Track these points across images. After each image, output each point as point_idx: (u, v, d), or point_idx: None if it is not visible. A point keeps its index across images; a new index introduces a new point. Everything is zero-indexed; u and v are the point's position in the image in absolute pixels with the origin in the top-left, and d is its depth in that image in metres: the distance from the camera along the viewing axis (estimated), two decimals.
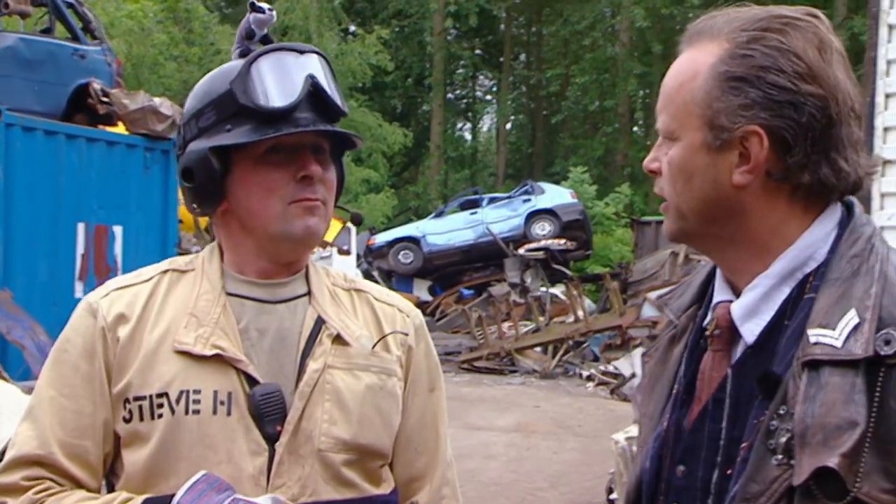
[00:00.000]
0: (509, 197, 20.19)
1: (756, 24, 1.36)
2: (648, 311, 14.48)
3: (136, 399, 1.67)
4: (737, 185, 1.36)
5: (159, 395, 1.66)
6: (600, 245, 20.95)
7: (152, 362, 1.68)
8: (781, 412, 1.30)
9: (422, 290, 18.99)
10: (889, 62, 7.68)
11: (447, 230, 18.92)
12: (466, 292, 18.32)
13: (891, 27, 7.71)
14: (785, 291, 1.38)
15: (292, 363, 1.71)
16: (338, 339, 1.74)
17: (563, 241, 18.13)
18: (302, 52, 1.72)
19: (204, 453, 1.64)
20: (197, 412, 1.65)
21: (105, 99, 9.88)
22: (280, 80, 1.68)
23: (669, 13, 28.73)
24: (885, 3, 7.78)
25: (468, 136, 37.71)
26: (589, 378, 13.46)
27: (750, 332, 1.39)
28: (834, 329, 1.30)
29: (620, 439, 5.53)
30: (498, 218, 19.11)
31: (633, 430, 7.01)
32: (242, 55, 1.76)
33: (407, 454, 1.84)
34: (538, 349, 14.45)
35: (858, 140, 1.37)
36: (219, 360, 1.67)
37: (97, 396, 1.70)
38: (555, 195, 19.65)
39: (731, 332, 1.42)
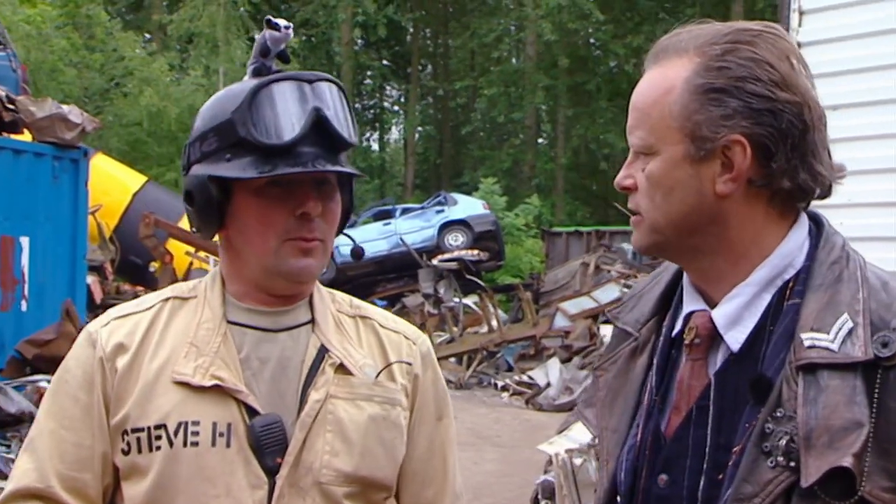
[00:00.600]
0: (422, 208, 20.23)
1: (726, 38, 1.39)
2: (561, 321, 14.64)
3: (134, 431, 1.63)
4: (720, 195, 1.39)
5: (157, 427, 1.62)
6: (511, 255, 21.12)
7: (151, 393, 1.64)
8: (778, 415, 1.32)
9: None
10: None
11: (360, 241, 18.80)
12: (380, 303, 18.20)
13: (800, 45, 7.96)
14: (766, 299, 1.40)
15: (294, 393, 1.67)
16: (341, 369, 1.70)
17: (476, 252, 18.21)
18: (312, 81, 1.66)
19: (202, 487, 1.60)
20: (195, 444, 1.61)
21: (10, 106, 9.54)
22: (283, 112, 1.63)
23: (575, 28, 29.17)
24: (794, 22, 8.03)
25: (375, 146, 37.61)
26: (504, 388, 13.52)
27: (734, 339, 1.41)
28: (828, 333, 1.33)
29: (560, 451, 5.54)
30: (411, 229, 19.11)
31: (560, 441, 7.05)
32: (257, 73, 1.72)
33: (414, 485, 1.79)
34: (452, 360, 14.47)
35: (827, 146, 1.41)
36: (218, 390, 1.63)
37: (96, 428, 1.65)
38: (468, 206, 19.75)
39: (710, 341, 1.44)
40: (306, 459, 1.64)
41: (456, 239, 18.89)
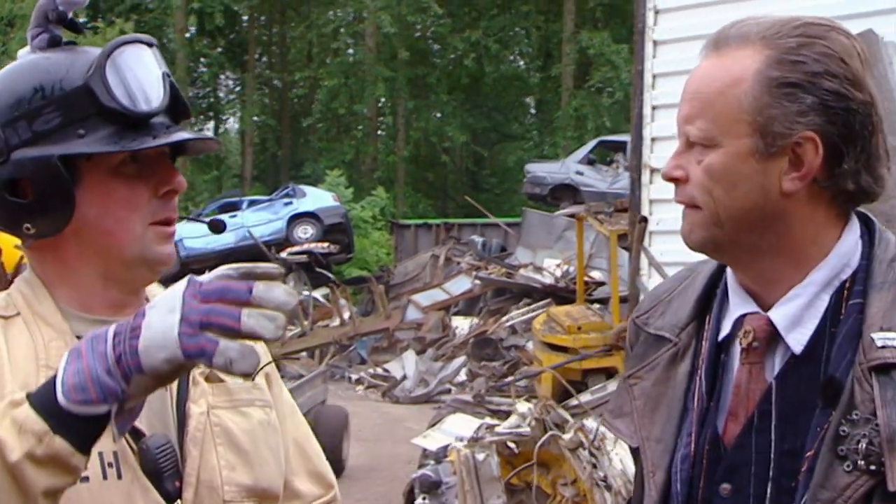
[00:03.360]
0: (270, 200, 19.89)
1: (797, 31, 1.36)
2: (413, 314, 14.73)
3: None
4: (785, 193, 1.36)
5: None
6: (358, 248, 21.05)
7: None
8: (854, 418, 1.30)
9: None
10: (655, 76, 8.18)
11: (205, 234, 18.36)
12: None
13: (655, 43, 8.23)
14: (825, 299, 1.38)
15: (169, 409, 1.49)
16: (210, 378, 1.53)
17: (325, 245, 18.06)
18: (150, 44, 1.48)
19: None
20: (86, 479, 1.36)
21: None
22: (142, 78, 1.44)
23: (414, 20, 29.30)
24: (649, 21, 8.30)
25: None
26: (359, 381, 13.48)
27: (797, 341, 1.38)
28: None
29: (459, 446, 5.54)
30: (259, 221, 18.72)
31: (435, 435, 7.06)
32: (53, 43, 1.49)
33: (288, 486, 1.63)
34: (304, 354, 14.31)
35: (887, 149, 1.40)
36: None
37: None
38: (317, 198, 19.52)
39: (767, 344, 1.40)
40: (205, 479, 1.47)
41: (305, 231, 18.66)
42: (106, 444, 1.35)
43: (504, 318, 13.41)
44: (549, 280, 14.02)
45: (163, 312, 1.18)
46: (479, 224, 19.35)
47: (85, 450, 1.22)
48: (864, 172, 1.36)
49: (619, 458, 5.34)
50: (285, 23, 34.42)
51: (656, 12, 8.29)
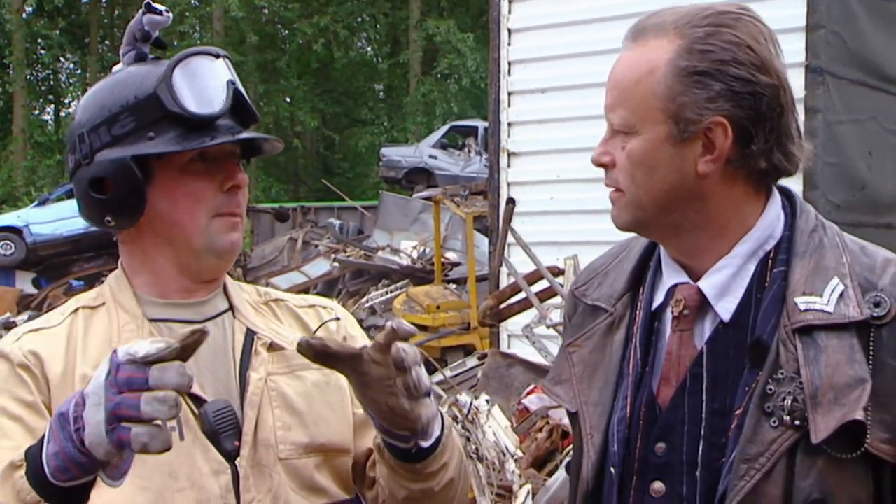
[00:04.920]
0: None
1: (707, 20, 1.42)
2: None
3: None
4: (700, 174, 1.43)
5: None
6: None
7: None
8: (779, 376, 1.38)
9: (25, 282, 17.73)
10: (511, 63, 8.46)
11: (54, 219, 17.82)
12: (76, 283, 17.39)
13: (510, 31, 8.54)
14: (750, 269, 1.46)
15: (233, 378, 1.66)
16: (272, 347, 1.71)
17: None
18: (217, 56, 1.68)
19: (165, 482, 1.57)
20: None
21: None
22: (206, 85, 1.64)
23: (262, 5, 29.04)
24: (504, 9, 8.59)
25: (52, 121, 35.45)
26: None
27: (725, 309, 1.45)
28: (821, 296, 1.40)
29: None
30: None
31: None
32: (139, 58, 1.70)
33: (366, 432, 1.76)
34: None
35: (799, 127, 1.47)
36: None
37: (37, 422, 1.55)
38: None
39: (697, 312, 1.48)
40: (263, 438, 1.63)
41: None
42: None
43: (363, 300, 13.61)
44: (406, 261, 14.29)
45: (93, 407, 1.33)
46: (336, 207, 19.43)
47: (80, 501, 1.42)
48: (776, 151, 1.43)
49: (493, 431, 5.50)
50: (129, 4, 33.50)
51: (510, 1, 8.50)
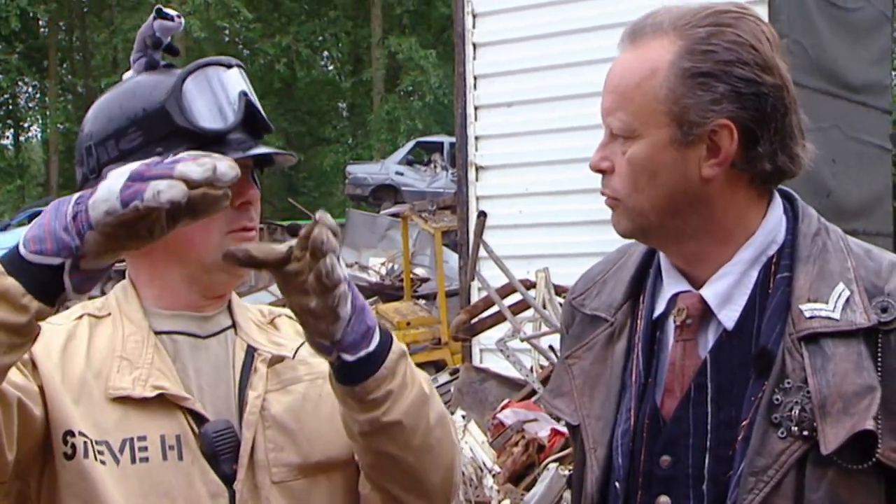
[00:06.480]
0: None
1: (707, 20, 1.38)
2: None
3: (81, 434, 1.50)
4: (705, 178, 1.38)
5: (98, 443, 1.51)
6: None
7: (88, 410, 1.52)
8: (786, 386, 1.34)
9: None
10: (476, 77, 8.49)
11: (16, 244, 17.61)
12: None
13: (475, 45, 8.56)
14: (753, 276, 1.42)
15: (232, 397, 1.61)
16: (272, 363, 1.64)
17: None
18: (229, 66, 1.61)
19: (160, 502, 1.52)
20: (145, 460, 1.51)
21: None
22: (216, 98, 1.57)
23: (224, 25, 28.96)
24: (468, 24, 8.63)
25: (11, 145, 35.09)
26: None
27: (728, 317, 1.41)
28: (827, 302, 1.36)
29: None
30: None
31: None
32: (150, 66, 1.63)
33: None
34: None
35: (802, 127, 1.43)
36: (161, 401, 1.54)
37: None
38: None
39: (700, 321, 1.44)
40: (258, 460, 1.57)
41: None
42: (169, 428, 1.53)
43: None
44: (374, 278, 14.25)
45: (116, 175, 1.25)
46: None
47: (41, 296, 1.27)
48: (780, 153, 1.39)
49: (469, 447, 5.47)
50: (87, 28, 33.31)
51: (474, 16, 8.55)
